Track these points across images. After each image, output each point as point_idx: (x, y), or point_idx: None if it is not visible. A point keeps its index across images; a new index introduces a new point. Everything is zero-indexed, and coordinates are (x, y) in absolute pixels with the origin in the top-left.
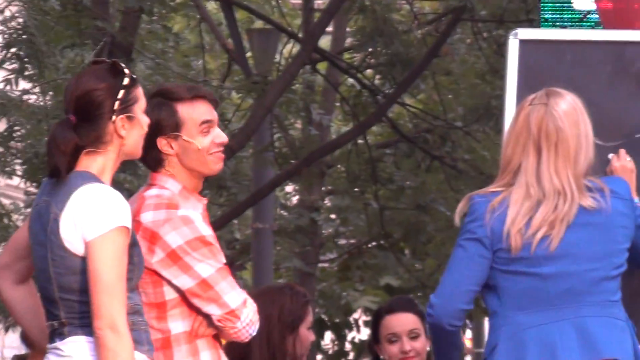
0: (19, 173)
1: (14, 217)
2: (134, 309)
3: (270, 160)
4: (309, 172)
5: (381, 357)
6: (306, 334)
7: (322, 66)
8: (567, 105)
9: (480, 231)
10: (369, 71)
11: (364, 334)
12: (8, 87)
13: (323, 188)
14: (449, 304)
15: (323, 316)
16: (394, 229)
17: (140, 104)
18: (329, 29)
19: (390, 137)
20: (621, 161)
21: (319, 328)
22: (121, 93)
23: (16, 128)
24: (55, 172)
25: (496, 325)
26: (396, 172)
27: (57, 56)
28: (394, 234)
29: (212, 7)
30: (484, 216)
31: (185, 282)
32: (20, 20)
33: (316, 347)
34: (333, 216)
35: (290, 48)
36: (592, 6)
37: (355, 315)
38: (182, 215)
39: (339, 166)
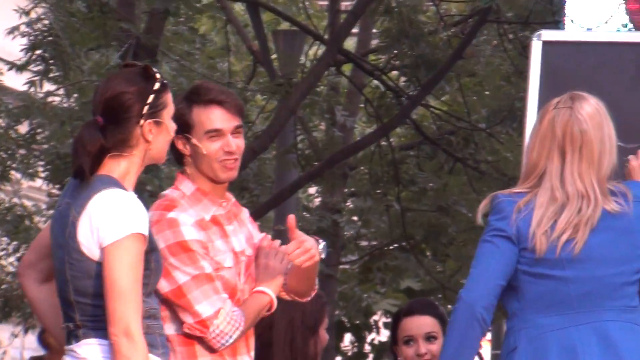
0: (42, 175)
1: (36, 219)
2: (148, 313)
3: (293, 162)
4: (332, 174)
5: (399, 358)
6: (324, 335)
7: (346, 68)
8: (592, 109)
9: (509, 229)
10: (393, 73)
11: (384, 335)
12: (32, 89)
13: (345, 190)
14: (482, 297)
15: (343, 318)
16: (415, 230)
17: (169, 110)
18: (355, 30)
19: (413, 138)
20: (639, 161)
21: (339, 330)
22: (151, 98)
23: (39, 130)
24: (79, 172)
25: (516, 327)
26: (419, 173)
27: (82, 58)
28: (415, 236)
29: (238, 8)
30: (511, 215)
31: (163, 286)
32: (46, 22)
33: (335, 348)
34: (355, 218)
35: (315, 50)
36: (620, 7)
37: (375, 317)
38: (170, 218)
39: (361, 168)
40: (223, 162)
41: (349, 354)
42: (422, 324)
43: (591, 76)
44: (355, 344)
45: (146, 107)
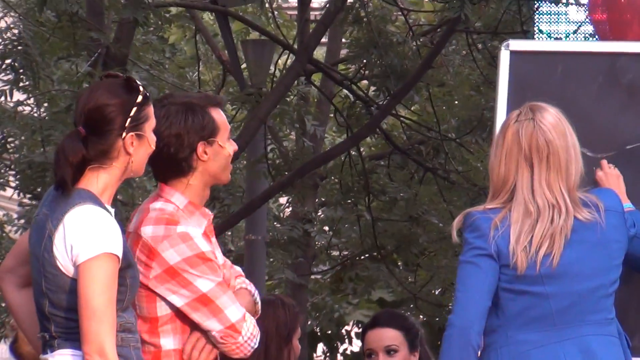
0: (13, 184)
1: (7, 228)
2: (124, 327)
3: (263, 172)
4: (302, 184)
5: None
6: (297, 344)
7: (316, 77)
8: (553, 118)
9: (489, 247)
10: (363, 82)
11: (356, 345)
12: (2, 99)
13: (316, 200)
14: (474, 323)
15: (315, 328)
16: (386, 241)
17: (151, 123)
18: (324, 40)
19: (383, 148)
20: (604, 170)
21: (311, 340)
22: (133, 110)
23: (10, 139)
24: (61, 184)
25: (496, 344)
26: (389, 183)
27: (52, 67)
28: (386, 246)
29: (207, 18)
30: (489, 232)
31: (184, 296)
32: (16, 31)
33: (308, 358)
34: (326, 228)
35: (285, 59)
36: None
37: (347, 327)
38: (180, 232)
39: (332, 178)
40: (230, 165)
41: None
42: (384, 337)
43: (559, 86)
44: (328, 354)
45: (129, 120)
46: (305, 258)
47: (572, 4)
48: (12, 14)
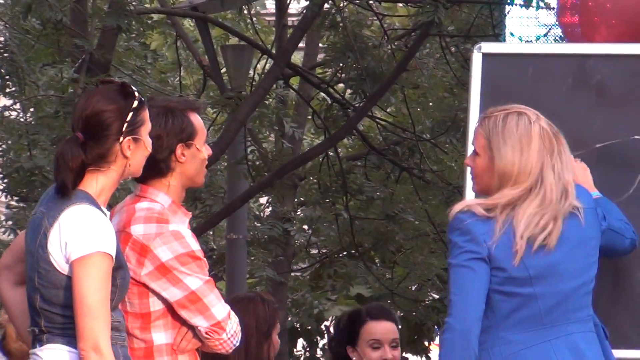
0: (0, 187)
1: None
2: (112, 326)
3: (244, 173)
4: (282, 184)
5: (353, 359)
6: (277, 339)
7: (294, 81)
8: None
9: (482, 250)
10: (340, 85)
11: None
12: None
13: (295, 200)
14: (473, 326)
15: (296, 324)
16: (364, 238)
17: (147, 126)
18: (301, 45)
19: (360, 149)
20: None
21: (291, 335)
22: (130, 115)
23: None
24: (62, 188)
25: (488, 344)
26: (366, 183)
27: (38, 73)
28: (364, 244)
29: (188, 24)
30: (480, 237)
31: (174, 294)
32: (2, 39)
33: (288, 353)
34: (305, 227)
35: (263, 64)
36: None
37: (326, 322)
38: (173, 230)
39: (310, 178)
40: (205, 168)
41: (302, 358)
42: (389, 329)
43: (530, 87)
44: (308, 349)
45: (125, 125)
46: (285, 256)
47: (542, 7)
48: None
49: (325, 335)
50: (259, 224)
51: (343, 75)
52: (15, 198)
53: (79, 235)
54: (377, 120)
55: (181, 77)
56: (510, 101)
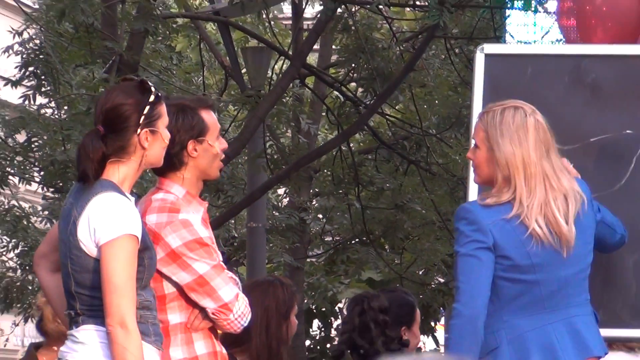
0: (37, 179)
1: (33, 219)
2: (142, 305)
3: (263, 166)
4: (298, 176)
5: (405, 338)
6: (294, 320)
7: (309, 80)
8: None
9: (488, 240)
10: (352, 84)
11: None
12: (27, 103)
13: (311, 190)
14: (480, 314)
15: (311, 306)
16: (374, 226)
17: (164, 120)
18: (316, 47)
19: (371, 144)
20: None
21: (308, 317)
22: (147, 109)
23: (34, 139)
24: (84, 177)
25: (493, 327)
26: (376, 175)
27: (71, 74)
28: (374, 231)
29: (210, 28)
30: (486, 226)
31: (183, 278)
32: (37, 41)
33: (304, 333)
34: (320, 216)
35: (281, 64)
36: (555, 24)
37: (340, 304)
38: (182, 219)
39: (325, 170)
40: (219, 162)
41: (317, 337)
42: None
43: (529, 85)
44: (323, 329)
45: (142, 117)
46: (301, 243)
47: (540, 12)
48: (34, 26)
49: (339, 317)
50: (277, 213)
51: (355, 75)
52: (51, 189)
53: (106, 221)
54: (387, 116)
55: (204, 77)
56: (510, 98)
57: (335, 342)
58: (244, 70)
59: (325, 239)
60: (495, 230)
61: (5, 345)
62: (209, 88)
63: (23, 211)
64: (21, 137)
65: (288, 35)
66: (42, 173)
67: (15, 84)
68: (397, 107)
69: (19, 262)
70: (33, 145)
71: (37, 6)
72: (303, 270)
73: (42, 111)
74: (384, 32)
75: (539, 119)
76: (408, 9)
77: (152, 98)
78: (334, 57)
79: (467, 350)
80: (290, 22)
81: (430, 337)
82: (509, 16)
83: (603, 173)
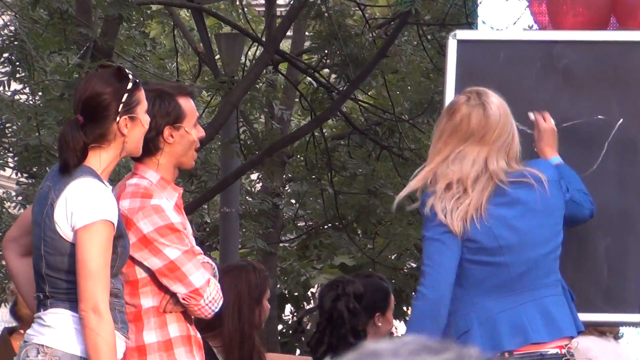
0: (11, 165)
1: (7, 204)
2: (111, 292)
3: (236, 151)
4: (271, 162)
5: (379, 324)
6: (267, 305)
7: (283, 66)
8: (498, 101)
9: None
10: (325, 70)
11: None
12: (1, 89)
13: (284, 176)
14: (444, 296)
15: (284, 291)
16: (347, 211)
17: (143, 106)
18: (289, 33)
19: (344, 129)
20: (548, 123)
21: (280, 301)
22: (125, 96)
23: (8, 125)
24: (65, 166)
25: (463, 310)
26: (349, 160)
27: (45, 60)
28: (347, 216)
29: (184, 14)
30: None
31: (154, 263)
32: (12, 28)
33: (277, 317)
34: (293, 201)
35: (254, 51)
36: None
37: (312, 289)
38: (154, 204)
39: (298, 156)
40: (196, 150)
41: (289, 322)
42: None
43: (502, 71)
44: (295, 314)
45: (121, 105)
46: (274, 228)
47: None
48: (9, 12)
49: (311, 301)
50: (250, 199)
51: (328, 61)
52: (25, 175)
53: (83, 205)
54: (360, 102)
55: (178, 63)
56: (482, 84)
57: (308, 327)
58: (217, 57)
59: (298, 224)
60: (454, 214)
61: None
62: (182, 74)
63: None
64: None
65: (261, 21)
66: (16, 159)
67: None
68: (369, 93)
69: None
70: (7, 131)
71: None
72: (276, 255)
73: (17, 97)
74: (356, 19)
75: (473, 112)
76: None
77: (130, 85)
78: (307, 44)
79: (428, 333)
80: (263, 8)
81: (402, 322)
82: (480, 3)
83: (575, 158)
